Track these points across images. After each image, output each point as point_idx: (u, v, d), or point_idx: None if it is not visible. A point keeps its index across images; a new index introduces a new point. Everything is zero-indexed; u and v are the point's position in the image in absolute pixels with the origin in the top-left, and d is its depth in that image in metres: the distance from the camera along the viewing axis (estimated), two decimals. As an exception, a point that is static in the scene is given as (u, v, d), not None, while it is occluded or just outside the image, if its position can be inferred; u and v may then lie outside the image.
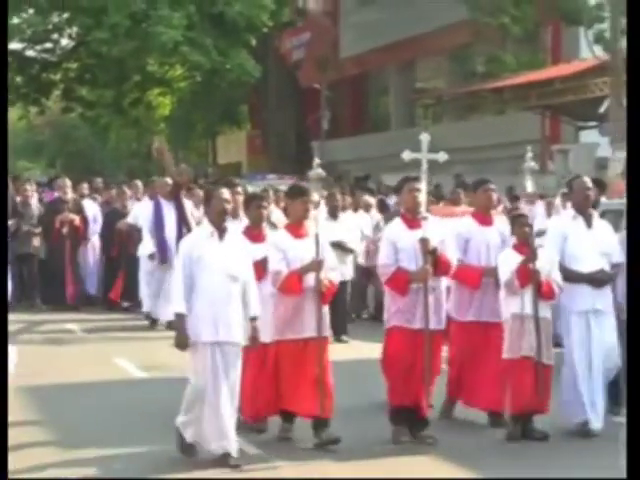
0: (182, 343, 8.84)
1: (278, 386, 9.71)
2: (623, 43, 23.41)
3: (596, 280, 9.90)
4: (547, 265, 9.75)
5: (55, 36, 36.62)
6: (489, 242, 10.41)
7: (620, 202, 13.84)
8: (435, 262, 9.54)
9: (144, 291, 17.75)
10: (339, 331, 16.54)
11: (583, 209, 10.14)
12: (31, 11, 33.24)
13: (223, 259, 8.85)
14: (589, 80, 26.59)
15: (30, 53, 37.28)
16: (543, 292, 9.66)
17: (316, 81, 42.69)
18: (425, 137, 10.17)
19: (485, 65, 34.81)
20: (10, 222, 18.86)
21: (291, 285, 9.47)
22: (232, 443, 8.82)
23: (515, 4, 30.73)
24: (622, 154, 21.57)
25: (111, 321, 18.37)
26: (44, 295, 19.82)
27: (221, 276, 8.82)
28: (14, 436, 10.06)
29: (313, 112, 42.46)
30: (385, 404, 10.11)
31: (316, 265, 9.46)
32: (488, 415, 10.42)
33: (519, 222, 9.98)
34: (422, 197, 9.81)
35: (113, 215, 20.01)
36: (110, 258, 19.99)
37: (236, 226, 10.11)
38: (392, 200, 23.43)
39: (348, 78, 45.65)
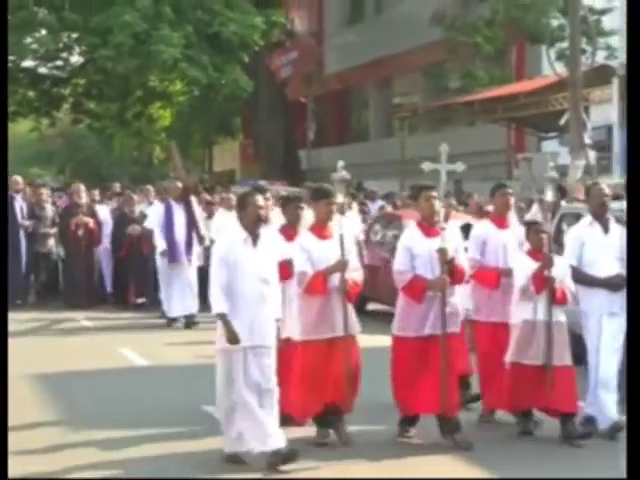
0: (233, 339, 8.15)
1: (308, 391, 8.95)
2: (582, 60, 23.52)
3: (612, 284, 9.31)
4: (561, 271, 9.16)
5: (65, 54, 36.52)
6: (506, 244, 9.82)
7: (578, 206, 13.93)
8: (451, 271, 8.98)
9: (162, 292, 17.22)
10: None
11: (600, 215, 9.54)
12: (43, 31, 33.15)
13: (257, 264, 8.29)
14: (550, 95, 26.67)
15: (42, 70, 37.15)
16: (557, 298, 9.06)
17: (303, 95, 42.69)
18: (444, 148, 9.70)
19: (460, 80, 34.87)
20: (27, 223, 18.93)
21: (316, 286, 8.88)
22: (277, 441, 8.16)
23: (487, 25, 30.94)
24: (580, 162, 21.69)
25: (122, 319, 17.77)
26: (62, 293, 19.45)
27: (255, 281, 8.27)
28: (24, 417, 10.11)
29: (300, 124, 42.44)
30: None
31: (341, 265, 8.87)
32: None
33: (534, 229, 9.40)
34: (439, 205, 9.21)
35: (122, 219, 19.60)
36: (119, 260, 19.55)
37: (266, 231, 9.37)
38: (376, 205, 23.44)
39: (332, 93, 45.70)
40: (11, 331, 14.11)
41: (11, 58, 33.07)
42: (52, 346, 15.04)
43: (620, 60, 27.34)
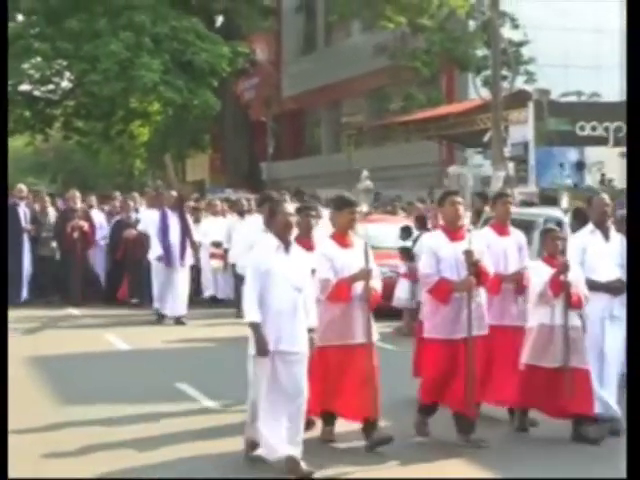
0: (263, 350, 7.31)
1: (323, 390, 8.10)
2: (503, 85, 23.72)
3: (613, 288, 8.60)
4: (575, 276, 8.37)
5: (57, 79, 36.20)
6: (506, 251, 8.96)
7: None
8: (477, 273, 8.14)
9: (154, 291, 16.42)
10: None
11: (601, 223, 8.82)
12: (38, 58, 32.90)
13: (290, 272, 7.43)
14: (475, 116, 26.86)
15: (37, 93, 36.82)
16: (572, 302, 8.29)
17: (263, 115, 42.69)
18: (470, 154, 9.32)
19: (402, 101, 35.05)
20: (30, 227, 18.34)
21: (340, 293, 7.99)
22: (297, 449, 7.37)
23: (425, 53, 31.23)
24: (501, 173, 21.90)
25: (116, 317, 16.90)
26: (59, 292, 18.78)
27: (288, 288, 7.40)
28: (21, 392, 10.10)
29: (261, 140, 42.42)
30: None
31: (366, 274, 7.98)
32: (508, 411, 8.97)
33: (551, 235, 8.67)
34: (463, 210, 8.43)
35: (119, 224, 18.90)
36: (115, 261, 18.83)
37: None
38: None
39: (288, 113, 45.73)
40: (12, 326, 14.11)
41: (10, 82, 32.78)
42: (47, 335, 14.95)
43: (535, 86, 27.66)
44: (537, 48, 30.22)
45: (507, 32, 27.77)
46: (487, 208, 16.02)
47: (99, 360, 12.89)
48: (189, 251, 16.57)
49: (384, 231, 16.77)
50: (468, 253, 8.07)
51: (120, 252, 18.55)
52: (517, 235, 9.18)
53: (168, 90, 31.30)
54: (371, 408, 7.95)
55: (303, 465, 7.24)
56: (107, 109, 35.21)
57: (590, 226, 8.97)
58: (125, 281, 18.43)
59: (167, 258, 16.15)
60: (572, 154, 24.65)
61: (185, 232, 16.37)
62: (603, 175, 23.77)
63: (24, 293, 18.28)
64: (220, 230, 18.05)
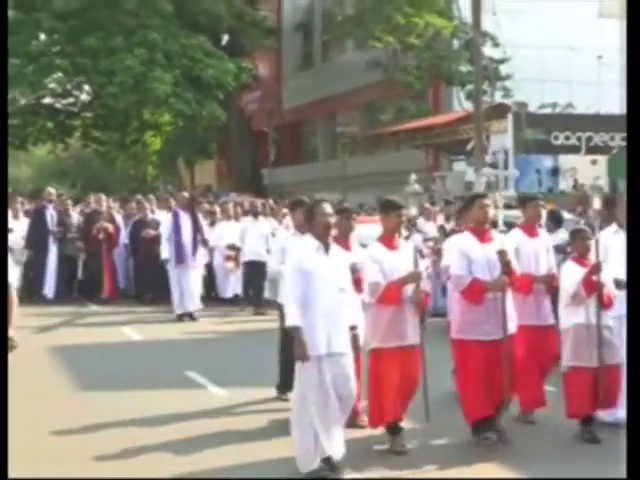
0: (302, 355, 6.70)
1: (380, 394, 7.51)
2: (484, 99, 23.72)
3: None
4: (606, 277, 7.80)
5: (76, 92, 36.14)
6: (537, 252, 8.44)
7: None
8: (508, 273, 7.63)
9: (174, 291, 15.87)
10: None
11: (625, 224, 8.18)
12: (60, 74, 32.81)
13: (331, 272, 6.84)
14: (459, 126, 26.88)
15: (58, 105, 36.80)
16: (604, 302, 7.74)
17: (265, 126, 42.67)
18: (501, 156, 8.84)
19: (395, 113, 35.09)
20: (56, 229, 17.90)
21: (390, 296, 7.40)
22: (339, 451, 6.86)
23: (416, 68, 31.31)
24: (482, 179, 21.88)
25: (136, 313, 16.52)
26: (83, 290, 18.51)
27: (331, 289, 6.81)
28: (43, 377, 10.10)
29: (263, 148, 42.40)
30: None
31: (417, 276, 7.44)
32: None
33: (581, 236, 8.05)
34: (492, 212, 8.00)
35: (137, 225, 18.51)
36: (137, 260, 18.46)
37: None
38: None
39: (288, 124, 45.66)
40: (37, 321, 14.08)
41: (34, 95, 32.93)
42: (68, 329, 14.91)
43: (513, 99, 27.68)
44: (516, 64, 30.24)
45: (488, 50, 27.82)
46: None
47: (113, 349, 12.88)
48: (201, 250, 16.24)
49: (372, 231, 16.71)
50: (502, 253, 7.61)
51: (140, 252, 18.20)
52: (544, 236, 8.78)
53: (178, 102, 31.33)
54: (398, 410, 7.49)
55: (342, 468, 6.79)
56: (122, 120, 35.24)
57: (614, 226, 8.49)
58: (144, 280, 18.05)
59: (179, 256, 15.74)
60: (547, 161, 24.74)
61: (196, 231, 16.03)
62: (576, 180, 23.84)
63: (51, 291, 17.91)
64: (234, 233, 17.57)
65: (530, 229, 8.57)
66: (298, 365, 6.79)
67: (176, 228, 15.81)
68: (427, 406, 7.52)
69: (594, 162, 23.45)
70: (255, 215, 17.32)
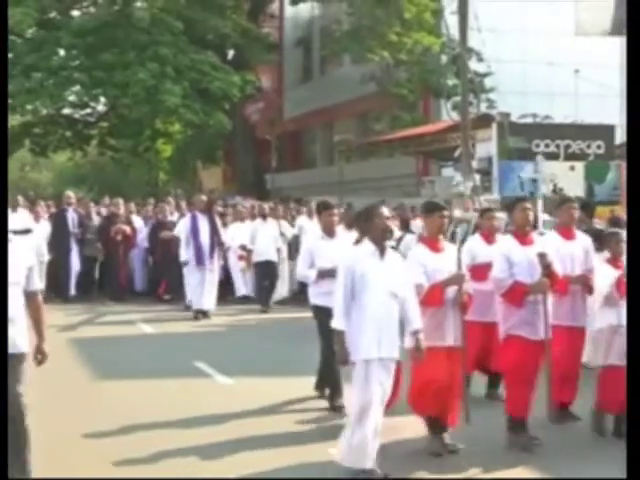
0: (343, 358, 6.33)
1: (420, 388, 7.14)
2: (470, 110, 23.74)
3: None
4: None
5: (93, 104, 36.17)
6: (573, 254, 7.95)
7: (467, 215, 14.14)
8: (549, 275, 7.27)
9: (187, 289, 15.79)
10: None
11: None
12: (78, 86, 32.77)
13: (385, 277, 6.38)
14: (447, 135, 26.90)
15: (76, 116, 36.89)
16: None
17: (267, 134, 42.67)
18: (540, 158, 8.32)
19: (390, 122, 35.14)
20: (77, 231, 17.72)
21: (434, 298, 6.98)
22: (373, 457, 6.41)
23: (408, 82, 31.45)
24: (469, 183, 21.91)
25: (153, 312, 16.35)
26: (103, 289, 18.30)
27: (384, 294, 6.35)
28: (63, 366, 10.12)
29: (266, 154, 42.40)
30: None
31: (460, 278, 7.05)
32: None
33: (615, 238, 7.73)
34: (532, 215, 7.58)
35: (155, 227, 18.30)
36: (155, 261, 18.19)
37: (332, 243, 8.14)
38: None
39: (289, 132, 45.67)
40: (60, 320, 14.09)
41: (54, 107, 32.91)
42: (86, 325, 14.94)
43: (497, 110, 27.73)
44: (499, 78, 30.27)
45: (473, 65, 27.75)
46: (456, 212, 16.08)
47: (127, 342, 12.91)
48: (218, 252, 15.93)
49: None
50: (542, 256, 7.22)
51: (158, 253, 17.94)
52: (583, 239, 8.17)
53: (187, 112, 31.33)
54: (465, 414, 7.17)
55: (378, 470, 6.38)
56: (136, 129, 35.25)
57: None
58: (163, 280, 17.80)
59: (198, 257, 15.42)
60: (529, 167, 24.72)
61: (214, 233, 15.75)
62: (555, 185, 23.83)
63: (72, 290, 17.75)
64: (246, 234, 17.34)
65: (566, 232, 8.07)
66: (351, 369, 6.40)
67: (194, 231, 15.46)
68: (467, 409, 7.17)
69: (572, 168, 23.47)
70: (264, 217, 17.29)
